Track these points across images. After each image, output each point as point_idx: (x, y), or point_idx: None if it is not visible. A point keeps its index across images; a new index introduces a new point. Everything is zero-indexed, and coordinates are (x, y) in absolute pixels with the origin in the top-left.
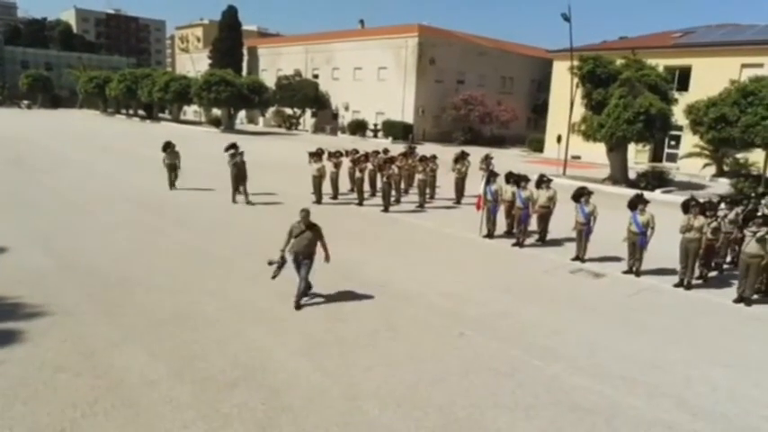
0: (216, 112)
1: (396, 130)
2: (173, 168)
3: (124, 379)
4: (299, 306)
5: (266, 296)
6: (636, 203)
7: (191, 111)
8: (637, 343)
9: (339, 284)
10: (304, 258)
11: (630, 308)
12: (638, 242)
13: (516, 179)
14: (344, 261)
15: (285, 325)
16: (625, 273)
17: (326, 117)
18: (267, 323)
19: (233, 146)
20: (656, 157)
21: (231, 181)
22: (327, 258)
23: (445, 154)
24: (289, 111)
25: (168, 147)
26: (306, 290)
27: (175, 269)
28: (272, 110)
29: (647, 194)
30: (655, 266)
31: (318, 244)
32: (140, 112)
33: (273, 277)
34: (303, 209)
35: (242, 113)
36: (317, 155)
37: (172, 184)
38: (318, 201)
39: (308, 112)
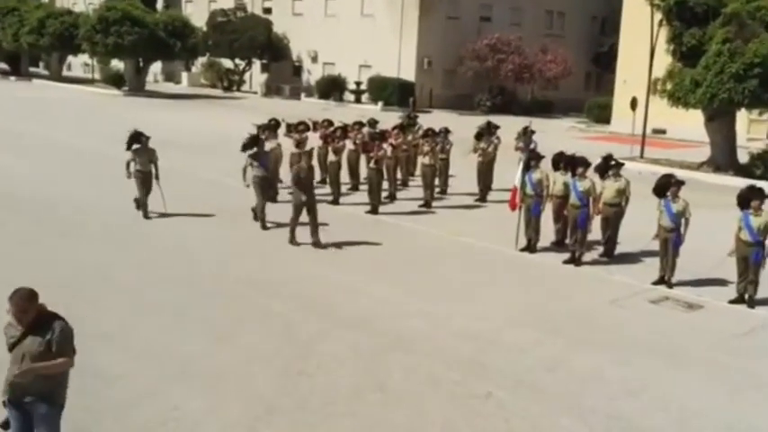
0: (117, 65)
1: (388, 91)
2: (146, 180)
3: None
4: None
5: (197, 338)
6: (748, 199)
7: (78, 63)
8: (747, 406)
9: (302, 322)
10: (34, 401)
11: (739, 354)
12: (752, 257)
13: (570, 164)
14: (311, 288)
15: (224, 381)
16: (732, 302)
17: (284, 72)
18: (197, 378)
19: (255, 141)
20: None
21: (262, 193)
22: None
23: (463, 127)
24: (228, 63)
25: (137, 140)
26: None
27: (63, 301)
28: (202, 61)
29: (765, 186)
30: None
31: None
32: (1, 65)
33: None
34: (15, 291)
35: (156, 67)
36: (270, 129)
37: (144, 208)
38: (273, 198)
39: (257, 65)
